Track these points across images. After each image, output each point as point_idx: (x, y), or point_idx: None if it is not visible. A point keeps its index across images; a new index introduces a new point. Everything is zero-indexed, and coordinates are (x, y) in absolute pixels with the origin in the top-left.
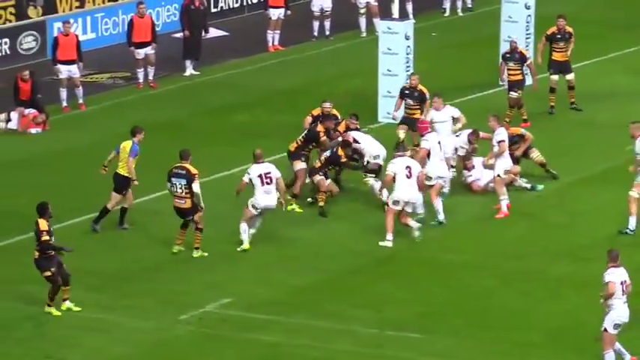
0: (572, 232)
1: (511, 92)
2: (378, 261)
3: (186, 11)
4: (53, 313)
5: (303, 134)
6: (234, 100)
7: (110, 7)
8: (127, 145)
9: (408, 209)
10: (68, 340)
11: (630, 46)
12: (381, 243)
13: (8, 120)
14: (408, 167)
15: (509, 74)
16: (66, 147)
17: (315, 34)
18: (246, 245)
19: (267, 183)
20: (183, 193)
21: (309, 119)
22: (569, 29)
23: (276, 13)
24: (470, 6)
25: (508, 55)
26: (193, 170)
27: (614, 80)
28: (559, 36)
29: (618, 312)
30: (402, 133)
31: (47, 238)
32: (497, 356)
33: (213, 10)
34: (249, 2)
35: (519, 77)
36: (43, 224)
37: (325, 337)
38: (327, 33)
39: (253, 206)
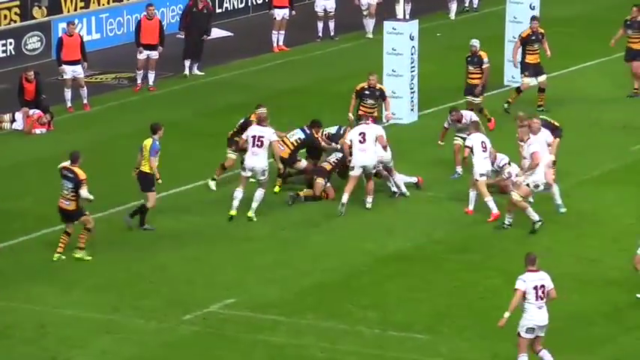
0: (577, 232)
1: (471, 97)
2: (383, 261)
3: (189, 13)
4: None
5: (296, 138)
6: (239, 100)
7: (115, 7)
8: (147, 144)
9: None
10: (73, 341)
11: None
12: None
13: (13, 120)
14: (361, 133)
15: (469, 78)
16: (70, 147)
17: (320, 34)
18: (233, 211)
19: (258, 146)
20: (70, 196)
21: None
22: (541, 30)
23: (280, 14)
24: (476, 6)
25: (469, 59)
26: (82, 175)
27: (619, 81)
28: (533, 37)
29: (530, 316)
30: None
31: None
32: (501, 357)
33: (218, 10)
34: (254, 3)
35: (479, 81)
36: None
37: (330, 337)
38: (332, 34)
39: (242, 167)
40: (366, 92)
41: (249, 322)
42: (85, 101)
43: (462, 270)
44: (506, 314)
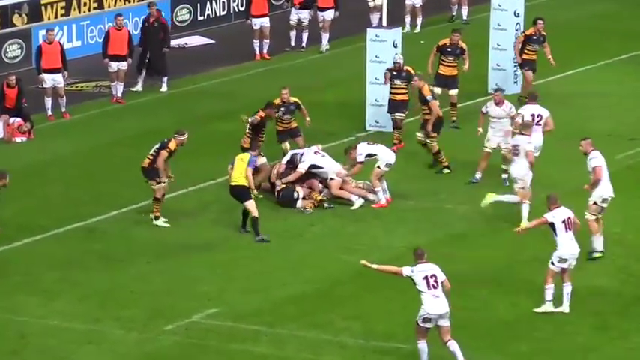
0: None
1: (397, 114)
2: (364, 271)
3: (143, 27)
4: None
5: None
6: (221, 108)
7: (96, 15)
8: (245, 157)
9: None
10: (55, 351)
11: (621, 54)
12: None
13: None
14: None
15: (395, 93)
16: (51, 156)
17: (292, 44)
18: None
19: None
20: None
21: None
22: (463, 45)
23: (257, 23)
24: (465, 18)
25: (395, 73)
26: None
27: (605, 88)
28: (449, 50)
29: (425, 306)
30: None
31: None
32: None
33: (200, 17)
34: (236, 10)
35: (406, 97)
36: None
37: (313, 347)
38: (304, 44)
39: None
40: (282, 109)
41: (231, 332)
42: (64, 109)
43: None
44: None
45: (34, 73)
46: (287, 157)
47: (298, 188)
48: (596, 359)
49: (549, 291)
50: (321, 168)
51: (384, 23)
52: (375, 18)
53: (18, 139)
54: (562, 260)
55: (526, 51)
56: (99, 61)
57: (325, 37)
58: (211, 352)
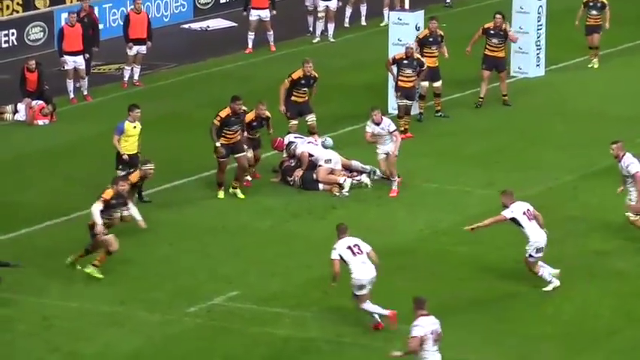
0: (585, 226)
1: (407, 100)
2: (389, 254)
3: None
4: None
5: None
6: (241, 91)
7: None
8: None
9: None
10: (77, 333)
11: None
12: None
13: (15, 111)
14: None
15: (403, 81)
16: (74, 138)
17: (311, 29)
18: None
19: None
20: None
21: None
22: (441, 32)
23: (255, 15)
24: (448, 1)
25: (405, 62)
26: None
27: (622, 73)
28: (431, 39)
29: (355, 274)
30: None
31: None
32: (510, 349)
33: (222, 0)
34: None
35: (413, 85)
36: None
37: (336, 330)
38: (322, 29)
39: None
40: (302, 82)
41: (253, 315)
42: (85, 92)
43: (467, 262)
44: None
45: (56, 55)
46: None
47: (315, 171)
48: (618, 342)
49: (545, 273)
50: (312, 156)
51: (407, 6)
52: (329, 28)
53: (40, 122)
54: (539, 250)
55: (425, 55)
56: (121, 44)
57: (331, 27)
58: (233, 334)
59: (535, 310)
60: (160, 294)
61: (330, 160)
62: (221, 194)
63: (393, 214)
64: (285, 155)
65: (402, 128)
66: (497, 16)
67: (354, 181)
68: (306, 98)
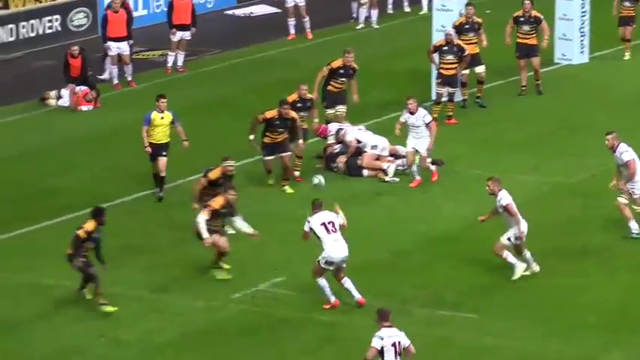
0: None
1: (449, 88)
2: (434, 241)
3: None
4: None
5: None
6: (286, 77)
7: None
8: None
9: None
10: (121, 319)
11: None
12: None
13: (59, 97)
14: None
15: (445, 68)
16: (117, 124)
17: (354, 15)
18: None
19: None
20: None
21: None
22: (478, 19)
23: (290, 0)
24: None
25: (446, 48)
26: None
27: None
28: (467, 26)
29: (327, 251)
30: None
31: (81, 233)
32: (552, 337)
33: None
34: None
35: (454, 72)
36: (89, 224)
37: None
38: (366, 15)
39: None
40: (298, 105)
41: (297, 301)
42: (130, 78)
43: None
44: None
45: (100, 41)
46: (333, 135)
47: (360, 157)
48: None
49: (510, 257)
50: (361, 142)
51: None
52: (373, 14)
53: (84, 108)
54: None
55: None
56: (165, 30)
57: (374, 14)
58: (277, 320)
59: (579, 297)
60: (204, 280)
61: (377, 146)
62: (271, 181)
63: (437, 201)
64: (330, 141)
65: (435, 115)
66: (526, 2)
67: (398, 168)
68: (343, 89)
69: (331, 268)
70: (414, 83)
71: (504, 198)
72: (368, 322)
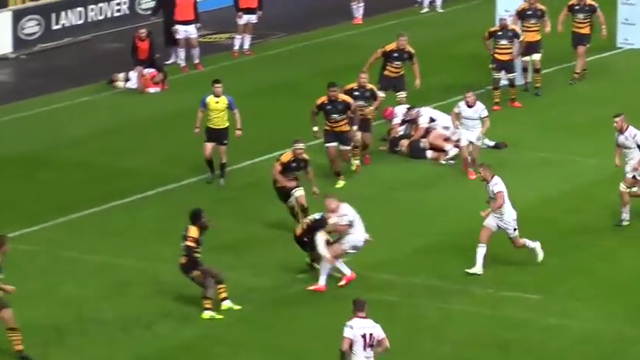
0: None
1: (503, 72)
2: None
3: None
4: (216, 316)
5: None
6: (351, 61)
7: None
8: None
9: None
10: (188, 297)
11: None
12: None
13: (127, 79)
14: None
15: (500, 53)
16: (184, 107)
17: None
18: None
19: None
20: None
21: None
22: (541, 7)
23: None
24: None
25: (500, 34)
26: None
27: None
28: (530, 12)
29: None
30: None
31: (192, 244)
32: (617, 318)
33: None
34: None
35: (509, 57)
36: (192, 231)
37: (443, 297)
38: (430, 0)
39: None
40: (355, 93)
41: (362, 281)
42: (197, 61)
43: (573, 230)
44: None
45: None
46: (399, 118)
47: (424, 140)
48: None
49: (527, 243)
50: (434, 120)
51: None
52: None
53: (151, 90)
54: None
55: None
56: (232, 13)
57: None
58: (342, 299)
59: (635, 277)
60: (270, 259)
61: (449, 128)
62: (340, 183)
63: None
64: (396, 122)
65: (497, 100)
66: None
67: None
68: (401, 73)
69: (355, 252)
70: (477, 68)
71: (498, 184)
72: (430, 303)
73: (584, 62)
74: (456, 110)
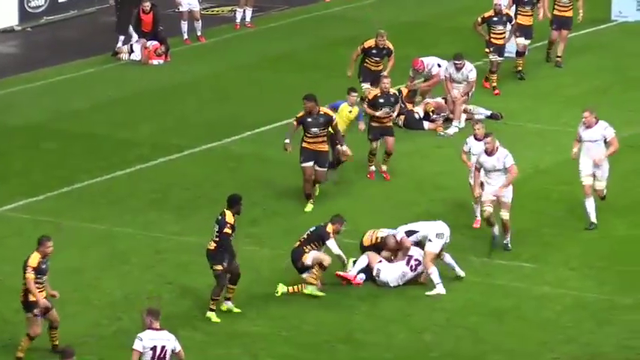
0: None
1: (497, 56)
2: None
3: None
4: (212, 319)
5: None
6: (354, 33)
7: None
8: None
9: None
10: (189, 266)
11: None
12: None
13: (131, 51)
14: None
15: (495, 38)
16: (187, 78)
17: None
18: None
19: None
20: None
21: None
22: None
23: None
24: None
25: (495, 19)
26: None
27: None
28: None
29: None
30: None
31: (229, 231)
32: (608, 286)
33: None
34: None
35: (503, 42)
36: (229, 216)
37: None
38: None
39: None
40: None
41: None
42: (199, 33)
43: (567, 201)
44: None
45: None
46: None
47: (418, 108)
48: None
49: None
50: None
51: None
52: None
53: (154, 62)
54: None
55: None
56: None
57: None
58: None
59: (633, 247)
60: (270, 229)
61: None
62: (309, 207)
63: None
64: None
65: (494, 84)
66: None
67: (462, 124)
68: (380, 68)
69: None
70: (479, 39)
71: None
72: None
73: (563, 47)
74: (465, 149)
